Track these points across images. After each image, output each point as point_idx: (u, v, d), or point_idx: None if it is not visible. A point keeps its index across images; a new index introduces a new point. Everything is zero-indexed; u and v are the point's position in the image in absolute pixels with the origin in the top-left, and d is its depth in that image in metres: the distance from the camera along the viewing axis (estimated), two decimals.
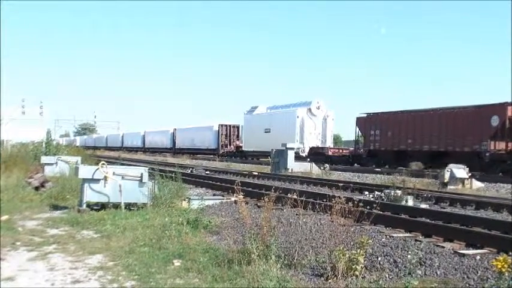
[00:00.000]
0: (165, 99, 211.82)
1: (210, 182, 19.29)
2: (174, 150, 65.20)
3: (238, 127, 56.30)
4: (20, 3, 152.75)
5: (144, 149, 75.69)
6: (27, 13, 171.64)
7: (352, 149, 39.00)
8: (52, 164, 18.90)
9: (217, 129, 56.72)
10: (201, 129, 60.84)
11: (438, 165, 24.55)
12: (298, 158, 37.19)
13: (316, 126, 42.66)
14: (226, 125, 56.72)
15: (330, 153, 39.12)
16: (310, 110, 42.38)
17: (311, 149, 40.86)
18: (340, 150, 40.44)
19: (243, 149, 50.21)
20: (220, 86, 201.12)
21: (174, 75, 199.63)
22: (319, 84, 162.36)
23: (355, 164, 35.25)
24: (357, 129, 36.08)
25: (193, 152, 59.22)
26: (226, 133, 56.37)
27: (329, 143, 42.85)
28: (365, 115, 35.70)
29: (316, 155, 39.06)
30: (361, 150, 36.16)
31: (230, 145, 55.56)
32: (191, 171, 26.75)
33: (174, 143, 67.47)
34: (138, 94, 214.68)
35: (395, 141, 32.18)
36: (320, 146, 41.90)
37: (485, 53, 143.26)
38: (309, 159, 37.69)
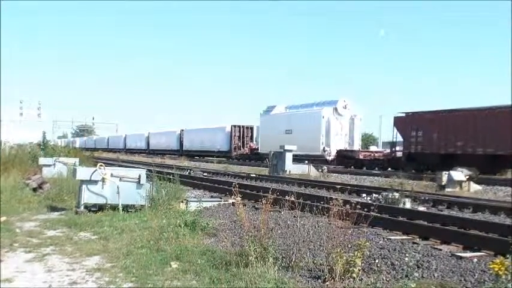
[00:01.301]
0: (165, 100, 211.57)
1: (208, 184, 19.29)
2: (182, 153, 61.99)
3: (251, 128, 53.82)
4: (20, 4, 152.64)
5: (149, 151, 73.16)
6: (26, 14, 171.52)
7: (386, 151, 35.47)
8: (50, 165, 18.88)
9: (230, 130, 53.82)
10: (212, 131, 57.86)
11: (497, 170, 22.99)
12: (323, 162, 35.55)
13: (343, 127, 39.32)
14: (239, 126, 53.93)
15: (360, 156, 35.27)
16: (336, 109, 39.05)
17: (338, 152, 37.26)
18: (373, 153, 36.14)
19: (259, 151, 45.73)
20: (225, 88, 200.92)
21: (174, 76, 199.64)
22: (321, 85, 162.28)
23: (389, 169, 31.07)
24: (395, 130, 31.81)
25: (202, 155, 56.75)
26: (240, 135, 53.59)
27: (357, 145, 39.34)
28: (403, 114, 31.68)
29: (345, 158, 35.88)
30: (399, 153, 32.24)
31: (244, 147, 52.78)
32: (189, 173, 26.75)
33: (181, 144, 64.79)
34: (137, 96, 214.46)
35: (442, 144, 28.30)
36: (348, 148, 38.50)
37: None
38: (334, 164, 35.73)
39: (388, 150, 34.95)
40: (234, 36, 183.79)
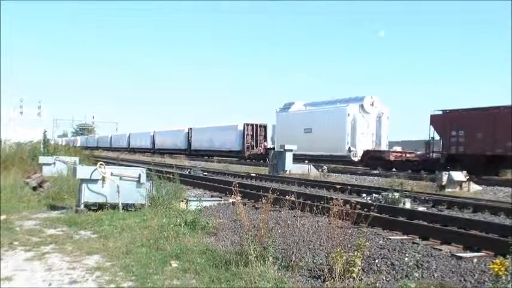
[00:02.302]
0: (165, 101, 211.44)
1: (208, 183, 19.30)
2: (189, 152, 59.97)
3: (265, 127, 51.06)
4: (20, 5, 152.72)
5: (154, 150, 70.46)
6: (27, 14, 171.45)
7: (419, 152, 32.46)
8: (50, 164, 18.89)
9: (243, 128, 50.65)
10: (223, 129, 54.60)
11: None
12: (348, 163, 34.17)
13: (369, 126, 36.18)
14: (252, 125, 50.93)
15: (391, 157, 32.24)
16: (362, 106, 35.98)
17: (365, 152, 34.46)
18: (404, 154, 32.99)
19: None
20: (232, 87, 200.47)
21: (174, 76, 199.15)
22: (322, 85, 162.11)
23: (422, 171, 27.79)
24: (431, 128, 29.24)
25: (212, 154, 53.34)
26: (253, 133, 50.55)
27: (384, 146, 36.33)
28: (440, 112, 29.28)
29: (373, 159, 33.09)
30: (437, 154, 29.42)
31: (257, 147, 49.65)
32: (189, 172, 26.77)
33: (189, 144, 61.82)
34: (138, 95, 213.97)
35: (488, 144, 25.57)
36: (376, 148, 35.53)
37: None
38: (360, 165, 33.66)
39: (418, 152, 32.38)
40: (234, 36, 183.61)
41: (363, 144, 35.50)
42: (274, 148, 40.13)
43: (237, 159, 47.46)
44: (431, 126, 29.26)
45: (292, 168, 28.91)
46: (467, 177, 20.22)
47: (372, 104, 36.43)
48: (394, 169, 30.55)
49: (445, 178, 19.85)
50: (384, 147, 35.77)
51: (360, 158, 34.31)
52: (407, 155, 32.61)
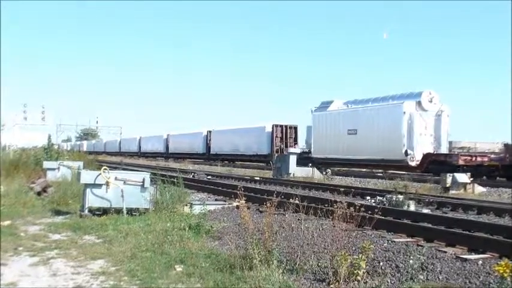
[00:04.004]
0: (166, 105, 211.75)
1: (212, 187, 19.31)
2: (208, 156, 55.75)
3: (295, 128, 46.35)
4: (21, 7, 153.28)
5: (167, 155, 66.61)
6: (30, 19, 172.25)
7: (495, 155, 27.62)
8: (54, 169, 18.92)
9: (271, 130, 45.95)
10: (248, 131, 49.53)
11: None
12: (404, 168, 29.07)
13: (428, 126, 31.11)
14: (281, 126, 46.17)
15: (460, 161, 26.63)
16: (419, 103, 30.86)
17: (425, 156, 29.29)
18: (475, 158, 27.30)
19: (312, 155, 36.29)
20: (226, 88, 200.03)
21: (177, 78, 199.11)
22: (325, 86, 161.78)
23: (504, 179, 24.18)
24: None
25: (234, 159, 50.05)
26: (282, 136, 45.68)
27: (444, 148, 30.91)
28: None
29: (436, 164, 28.00)
30: None
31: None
32: (193, 176, 26.80)
33: (207, 147, 57.55)
34: (143, 99, 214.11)
35: None
36: (436, 151, 30.03)
37: None
38: (419, 171, 28.25)
39: (492, 155, 27.64)
40: (234, 36, 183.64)
41: (422, 146, 30.30)
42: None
43: (264, 164, 42.78)
44: None
45: (296, 171, 28.89)
46: (471, 179, 20.18)
47: (431, 101, 31.23)
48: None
49: (449, 180, 19.82)
50: (443, 150, 30.62)
51: (418, 163, 29.30)
52: (482, 159, 27.17)
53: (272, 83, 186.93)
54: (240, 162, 44.97)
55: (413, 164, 29.00)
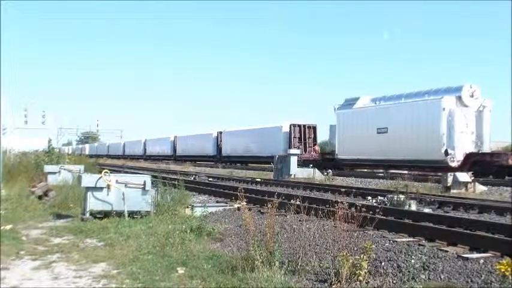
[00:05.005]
0: (171, 104, 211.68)
1: (213, 189, 19.31)
2: (220, 158, 53.16)
3: (314, 128, 44.37)
4: (22, 8, 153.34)
5: (175, 157, 64.09)
6: (31, 22, 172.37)
7: None
8: (55, 172, 18.95)
9: (288, 130, 43.66)
10: (263, 131, 47.10)
11: None
12: (443, 169, 25.17)
13: (469, 123, 28.37)
14: (299, 125, 43.86)
15: (510, 162, 24.61)
16: (460, 98, 28.15)
17: (468, 156, 27.03)
18: None
19: (338, 156, 34.35)
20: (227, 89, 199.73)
21: (178, 81, 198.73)
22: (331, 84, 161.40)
23: None
24: None
25: (247, 161, 47.78)
26: (300, 136, 43.46)
27: (487, 147, 28.26)
28: None
29: (480, 164, 25.62)
30: None
31: (306, 151, 40.95)
32: (194, 178, 26.81)
33: (218, 149, 55.28)
34: (140, 102, 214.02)
35: None
36: (478, 151, 27.87)
37: None
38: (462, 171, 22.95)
39: None
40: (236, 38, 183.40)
41: (465, 145, 27.93)
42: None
43: None
44: None
45: (297, 172, 28.89)
46: (472, 178, 20.18)
47: (472, 95, 28.59)
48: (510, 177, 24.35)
49: (450, 179, 19.82)
50: (486, 149, 28.23)
51: (459, 163, 26.86)
52: None
53: (284, 82, 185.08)
54: (253, 165, 42.86)
55: (454, 164, 26.74)
